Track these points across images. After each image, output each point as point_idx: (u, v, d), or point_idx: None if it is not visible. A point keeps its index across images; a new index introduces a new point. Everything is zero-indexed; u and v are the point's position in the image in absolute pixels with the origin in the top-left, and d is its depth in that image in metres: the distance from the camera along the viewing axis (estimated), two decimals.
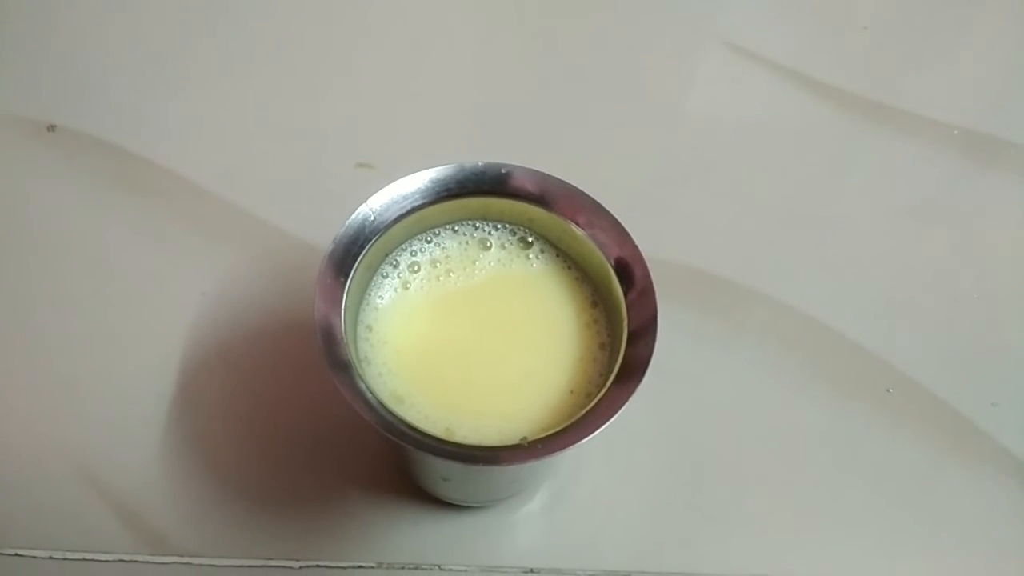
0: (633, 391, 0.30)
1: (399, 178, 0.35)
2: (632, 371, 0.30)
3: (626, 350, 0.31)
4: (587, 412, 0.31)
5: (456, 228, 0.37)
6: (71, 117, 0.51)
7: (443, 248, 0.37)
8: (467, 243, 0.37)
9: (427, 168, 0.35)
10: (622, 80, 0.57)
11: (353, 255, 0.33)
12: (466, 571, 0.39)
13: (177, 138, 0.51)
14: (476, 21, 0.59)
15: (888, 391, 0.45)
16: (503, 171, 0.35)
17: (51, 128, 0.51)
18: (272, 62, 0.55)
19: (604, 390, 0.31)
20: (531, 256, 0.37)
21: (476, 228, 0.37)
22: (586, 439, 0.29)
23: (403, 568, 0.39)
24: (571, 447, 0.29)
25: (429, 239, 0.37)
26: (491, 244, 0.37)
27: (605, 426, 0.29)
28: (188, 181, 0.49)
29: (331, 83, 0.55)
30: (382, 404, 0.31)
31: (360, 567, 0.39)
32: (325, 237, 0.46)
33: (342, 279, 0.33)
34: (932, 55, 0.60)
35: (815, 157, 0.54)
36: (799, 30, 0.60)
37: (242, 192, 0.49)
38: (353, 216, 0.33)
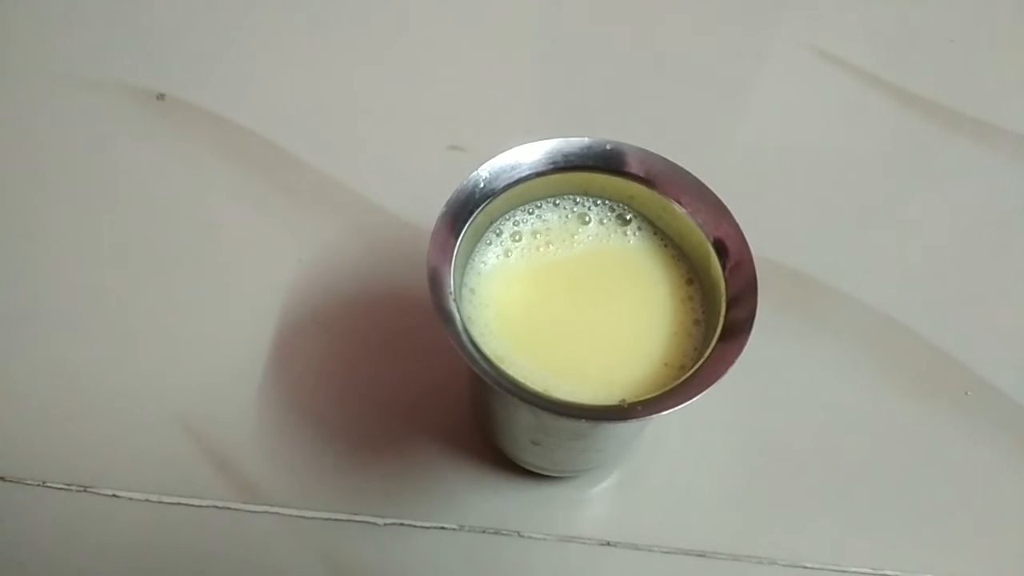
0: (740, 350, 0.31)
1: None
2: (734, 334, 0.31)
3: (726, 316, 0.32)
4: (688, 377, 0.31)
5: (557, 202, 0.38)
6: (179, 87, 0.53)
7: (544, 220, 0.38)
8: (567, 217, 0.38)
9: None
10: (709, 76, 0.58)
11: (463, 219, 0.34)
12: (545, 539, 0.40)
13: (280, 112, 0.53)
14: (569, 13, 0.60)
15: (966, 394, 0.45)
16: (608, 147, 0.36)
17: (160, 97, 0.53)
18: (374, 44, 0.57)
19: (706, 355, 0.32)
20: (628, 233, 0.38)
21: (576, 203, 0.38)
22: (691, 401, 0.30)
23: (483, 532, 0.40)
24: (674, 409, 0.30)
25: (531, 211, 0.38)
26: (590, 219, 0.38)
27: (709, 388, 0.30)
28: (288, 154, 0.51)
29: (429, 67, 0.57)
30: (487, 359, 0.32)
31: (442, 528, 0.40)
32: (417, 214, 0.48)
33: (452, 240, 0.34)
34: (1015, 70, 0.60)
35: (898, 162, 0.54)
36: (886, 40, 0.60)
37: (340, 167, 0.51)
38: (465, 181, 0.35)
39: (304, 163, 0.51)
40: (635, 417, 0.30)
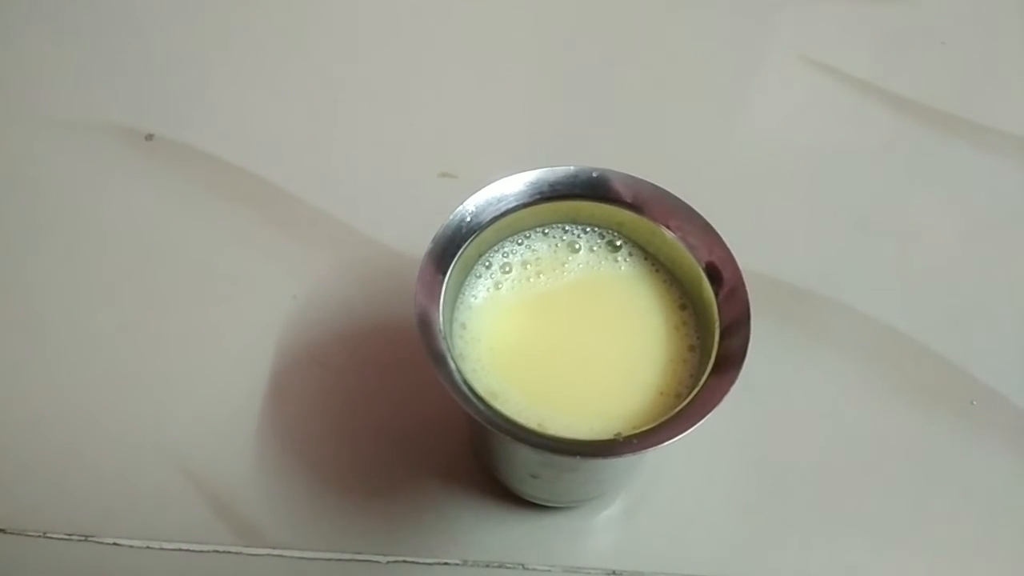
0: (732, 382, 0.30)
1: (482, 187, 0.35)
2: (727, 365, 0.31)
3: (719, 345, 0.32)
4: (683, 408, 0.31)
5: (546, 231, 0.38)
6: (168, 127, 0.53)
7: (533, 250, 0.37)
8: (557, 245, 0.38)
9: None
10: (700, 91, 0.57)
11: (451, 254, 0.34)
12: (549, 571, 0.40)
13: (270, 148, 0.53)
14: (556, 35, 0.60)
15: (972, 403, 0.45)
16: (594, 175, 0.36)
17: (149, 137, 0.53)
18: (360, 77, 0.57)
19: (699, 386, 0.31)
20: (619, 259, 0.37)
21: (566, 231, 0.38)
22: (686, 433, 0.30)
23: (487, 566, 0.40)
24: (670, 442, 0.30)
25: (520, 241, 0.37)
26: (580, 247, 0.38)
27: (704, 420, 0.30)
28: (279, 189, 0.51)
29: (416, 95, 0.56)
30: (480, 398, 0.31)
31: (446, 564, 0.40)
32: (410, 243, 0.47)
33: (440, 277, 0.34)
34: (1010, 70, 0.59)
35: (893, 169, 0.54)
36: (877, 45, 0.60)
37: (331, 200, 0.50)
38: (452, 216, 0.34)
39: (295, 197, 0.50)
40: (630, 452, 0.30)
